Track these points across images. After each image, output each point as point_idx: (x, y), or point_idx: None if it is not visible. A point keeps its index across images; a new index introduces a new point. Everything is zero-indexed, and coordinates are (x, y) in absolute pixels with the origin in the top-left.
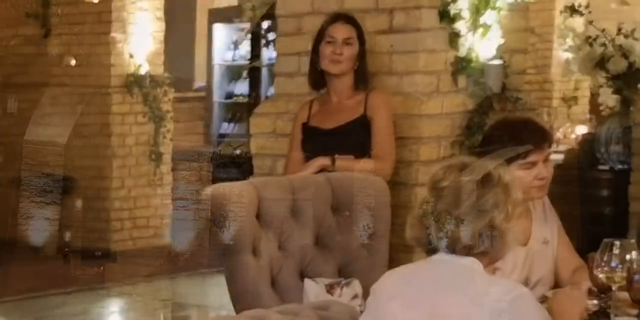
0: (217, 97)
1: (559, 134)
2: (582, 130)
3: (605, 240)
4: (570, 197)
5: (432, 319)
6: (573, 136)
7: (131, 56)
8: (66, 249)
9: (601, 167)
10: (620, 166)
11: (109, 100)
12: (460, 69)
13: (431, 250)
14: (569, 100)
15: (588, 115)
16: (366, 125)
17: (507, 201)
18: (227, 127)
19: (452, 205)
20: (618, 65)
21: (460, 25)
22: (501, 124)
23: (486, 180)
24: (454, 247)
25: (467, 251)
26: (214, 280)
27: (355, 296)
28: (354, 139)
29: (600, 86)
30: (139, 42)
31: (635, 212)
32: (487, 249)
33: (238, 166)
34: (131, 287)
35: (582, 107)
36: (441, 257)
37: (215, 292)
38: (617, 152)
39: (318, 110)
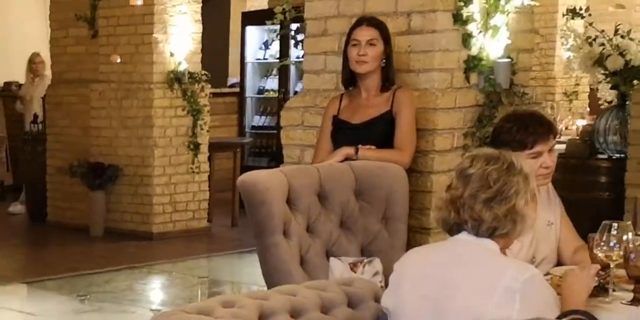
0: (249, 92)
1: (561, 126)
2: (582, 122)
3: (605, 222)
4: (571, 184)
5: (446, 291)
6: (574, 128)
7: (171, 55)
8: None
9: (600, 156)
10: (617, 155)
11: (151, 95)
12: (472, 66)
13: (455, 231)
14: (571, 95)
15: (588, 109)
16: (391, 120)
17: (527, 189)
18: (258, 120)
19: (478, 191)
20: (615, 63)
21: (472, 27)
22: (510, 117)
23: (510, 169)
24: (478, 229)
25: (490, 233)
26: (247, 260)
27: (376, 273)
28: (380, 133)
29: (599, 82)
30: (179, 42)
31: (631, 197)
32: (508, 231)
33: (269, 155)
34: (171, 265)
35: (582, 101)
36: (463, 238)
37: (248, 270)
38: (614, 142)
39: (347, 104)
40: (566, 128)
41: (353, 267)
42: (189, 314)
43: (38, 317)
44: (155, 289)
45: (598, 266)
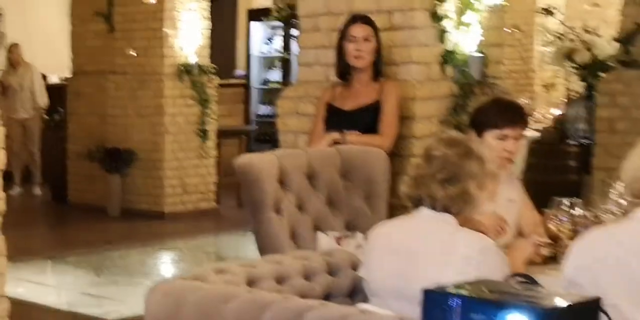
0: (254, 83)
1: (538, 115)
2: (555, 111)
3: (556, 198)
4: (544, 167)
5: (409, 260)
6: (549, 117)
7: (181, 49)
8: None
9: (570, 142)
10: (585, 141)
11: (163, 86)
12: (448, 60)
13: (417, 206)
14: (548, 87)
15: (564, 99)
16: (379, 108)
17: (481, 173)
18: (263, 109)
19: (437, 172)
20: (583, 57)
21: (447, 24)
22: (494, 100)
23: (467, 154)
24: (434, 206)
25: (443, 210)
26: (252, 238)
27: (358, 246)
28: (368, 120)
29: (569, 74)
30: (188, 37)
31: (598, 179)
32: (460, 210)
33: (272, 142)
34: (181, 242)
35: (559, 92)
36: (424, 213)
37: (252, 247)
38: (582, 130)
39: (340, 92)
40: (543, 117)
41: (338, 240)
42: (185, 280)
43: (58, 289)
44: (166, 264)
45: (537, 237)
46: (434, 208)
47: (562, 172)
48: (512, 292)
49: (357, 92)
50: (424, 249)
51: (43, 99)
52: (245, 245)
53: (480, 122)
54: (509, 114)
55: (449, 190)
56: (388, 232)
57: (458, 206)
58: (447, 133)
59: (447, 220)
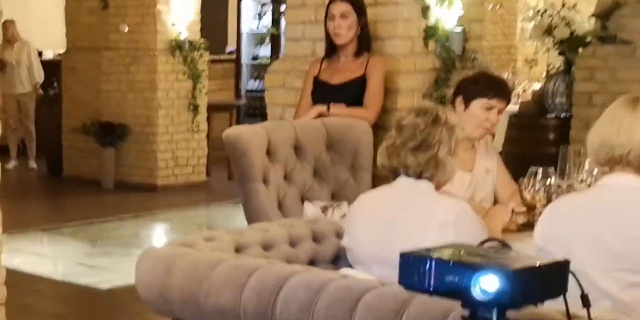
0: (245, 59)
1: (520, 89)
2: (536, 86)
3: (531, 168)
4: (524, 140)
5: (390, 227)
6: (530, 91)
7: (174, 25)
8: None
9: (549, 116)
10: (563, 114)
11: (155, 61)
12: (430, 35)
13: (393, 175)
14: (531, 62)
15: (545, 75)
16: (364, 82)
17: (450, 139)
18: (253, 84)
19: (407, 140)
20: (562, 32)
21: (430, 0)
22: (483, 74)
23: (435, 121)
24: (407, 173)
25: (417, 176)
26: (241, 209)
27: (344, 215)
28: (354, 93)
29: (548, 50)
30: (181, 14)
31: (576, 151)
32: (431, 175)
33: (262, 116)
34: (173, 214)
35: (541, 67)
36: (402, 181)
37: (241, 217)
38: (561, 103)
39: (327, 67)
40: (524, 91)
41: (324, 210)
42: (175, 247)
43: (54, 260)
44: (159, 235)
45: (513, 204)
46: (409, 176)
47: (541, 145)
48: (484, 255)
49: (343, 67)
50: (403, 216)
51: (39, 74)
52: (235, 217)
53: (470, 91)
54: (499, 87)
55: (419, 157)
56: (369, 201)
57: (430, 172)
58: (418, 103)
59: (424, 187)
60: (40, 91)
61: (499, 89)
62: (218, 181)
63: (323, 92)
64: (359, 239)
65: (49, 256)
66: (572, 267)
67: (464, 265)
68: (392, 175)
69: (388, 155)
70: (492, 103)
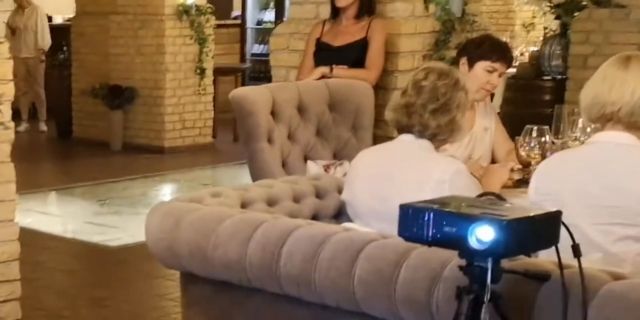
0: (249, 23)
1: (517, 53)
2: (532, 49)
3: (527, 126)
4: (520, 101)
5: (388, 183)
6: (527, 54)
7: None
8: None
9: (544, 78)
10: (559, 76)
11: (163, 26)
12: None
13: (404, 132)
14: (528, 26)
15: (541, 38)
16: (366, 45)
17: (466, 103)
18: (257, 48)
19: (428, 101)
20: None
21: None
22: (487, 37)
23: (456, 85)
24: (423, 133)
25: (431, 137)
26: (246, 170)
27: (345, 174)
28: (355, 55)
29: (545, 13)
30: None
31: (563, 111)
32: (446, 137)
33: (266, 79)
34: (180, 174)
35: (538, 32)
36: (405, 139)
37: (247, 178)
38: (557, 66)
39: (329, 29)
40: (521, 54)
41: (326, 168)
42: (182, 202)
43: (65, 218)
44: (166, 195)
45: (512, 163)
46: (420, 135)
47: (537, 106)
48: (480, 207)
49: (345, 29)
50: (402, 173)
51: (45, 40)
52: (240, 177)
53: (475, 54)
54: (502, 50)
55: (439, 119)
56: (369, 157)
57: (446, 134)
58: (434, 64)
59: (425, 146)
60: (43, 57)
61: (502, 53)
62: (224, 143)
63: (325, 54)
64: (358, 194)
65: (60, 215)
66: (564, 220)
67: (461, 216)
68: (401, 132)
69: (408, 115)
70: (494, 66)
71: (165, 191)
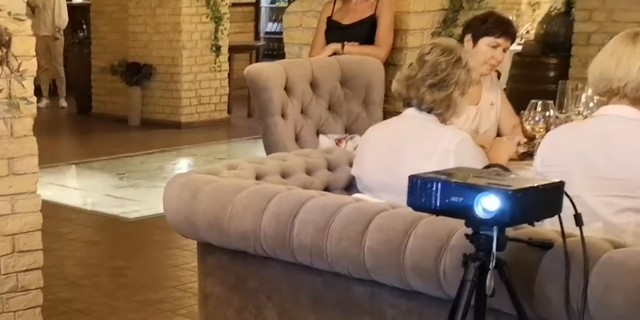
0: (264, 2)
1: (522, 31)
2: (538, 27)
3: (532, 101)
4: (526, 78)
5: (396, 156)
6: (533, 32)
7: None
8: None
9: (550, 55)
10: (563, 54)
11: (180, 4)
12: None
13: (405, 104)
14: (534, 5)
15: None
16: (374, 22)
17: (466, 81)
18: (271, 26)
19: (427, 76)
20: None
21: None
22: (491, 13)
23: (457, 63)
24: (419, 106)
25: (428, 111)
26: (260, 144)
27: (356, 147)
28: (365, 33)
29: None
30: None
31: (567, 87)
32: (441, 113)
33: (279, 56)
34: (196, 149)
35: (544, 10)
36: (411, 113)
37: (260, 152)
38: (561, 43)
39: (340, 8)
40: (527, 32)
41: (338, 142)
42: (199, 174)
43: (85, 191)
44: (182, 169)
45: (519, 137)
46: (419, 108)
47: (542, 82)
48: (486, 177)
49: (355, 7)
50: (409, 146)
51: (62, 18)
52: (254, 152)
53: (479, 30)
54: (505, 26)
55: (435, 94)
56: (378, 132)
57: (440, 109)
58: (442, 40)
59: (430, 119)
60: (58, 36)
61: (505, 29)
62: (238, 118)
63: (336, 32)
64: (368, 168)
65: (80, 188)
66: (569, 191)
67: (468, 186)
68: (404, 104)
69: (407, 86)
70: (498, 41)
71: (182, 165)
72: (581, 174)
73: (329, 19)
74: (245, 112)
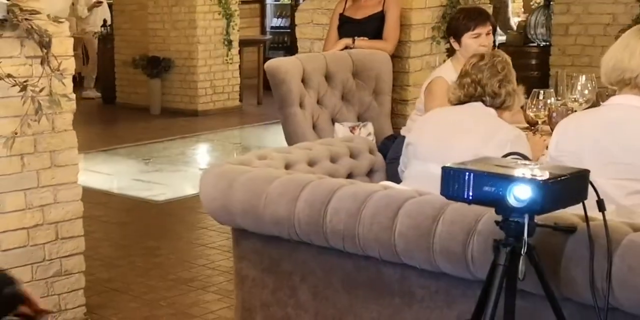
0: None
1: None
2: (517, 19)
3: (534, 90)
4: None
5: (457, 133)
6: (511, 23)
7: None
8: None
9: (531, 44)
10: (543, 43)
11: (195, 3)
12: None
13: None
14: None
15: (522, 9)
16: (382, 18)
17: (515, 77)
18: (276, 22)
19: (492, 75)
20: None
21: None
22: (460, 10)
23: (508, 62)
24: (493, 101)
25: (500, 105)
26: (270, 129)
27: (369, 134)
28: (374, 27)
29: None
30: None
31: (553, 74)
32: (511, 104)
33: (284, 49)
34: (212, 135)
35: (519, 3)
36: (475, 104)
37: (271, 137)
38: (541, 34)
39: (351, 4)
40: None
41: (352, 129)
42: (233, 165)
43: (114, 176)
44: (201, 153)
45: (546, 137)
46: (492, 104)
47: (525, 69)
48: (516, 168)
49: (364, 4)
50: (468, 127)
51: (107, 16)
52: (264, 136)
53: (457, 29)
54: (475, 16)
55: (507, 87)
56: (441, 112)
57: (512, 101)
58: (482, 51)
59: (491, 112)
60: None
61: (477, 18)
62: (249, 106)
63: (348, 27)
64: (425, 136)
65: (110, 174)
66: None
67: (500, 176)
68: (467, 101)
69: (479, 86)
70: (478, 31)
71: (201, 150)
72: (593, 158)
73: (341, 15)
74: (255, 100)
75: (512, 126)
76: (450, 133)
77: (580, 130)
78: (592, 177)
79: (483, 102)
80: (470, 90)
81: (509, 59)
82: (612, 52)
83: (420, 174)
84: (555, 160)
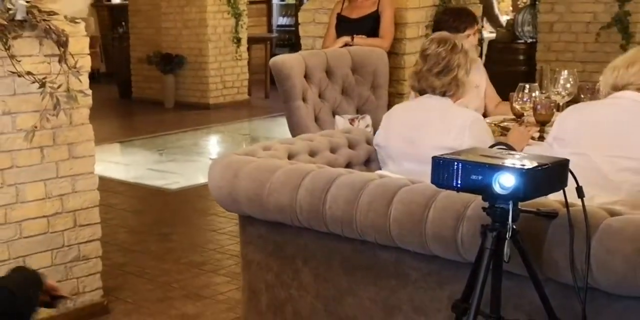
0: None
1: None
2: (506, 17)
3: (520, 84)
4: (499, 61)
5: (418, 130)
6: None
7: None
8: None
9: (519, 41)
10: (530, 40)
11: (205, 3)
12: None
13: (422, 94)
14: None
15: (511, 8)
16: (377, 17)
17: (466, 61)
18: (282, 20)
19: (432, 66)
20: None
21: None
22: (447, 11)
23: (453, 49)
24: (434, 92)
25: (442, 94)
26: (277, 122)
27: (367, 126)
28: (370, 26)
29: None
30: None
31: (538, 69)
32: (454, 92)
33: (289, 46)
34: (223, 127)
35: (507, 3)
36: (428, 97)
37: (277, 128)
38: (528, 31)
39: (348, 5)
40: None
41: (351, 121)
42: (239, 155)
43: (130, 166)
44: (212, 144)
45: (537, 129)
46: (434, 94)
47: (513, 64)
48: (502, 158)
49: (361, 4)
50: (429, 121)
51: None
52: (272, 128)
53: (447, 31)
54: (463, 17)
55: (443, 79)
56: (402, 109)
57: (452, 90)
58: (438, 34)
59: (445, 101)
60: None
61: (464, 19)
62: (257, 99)
63: (345, 26)
64: (392, 139)
65: (126, 164)
66: (579, 150)
67: (486, 165)
68: (420, 94)
69: (418, 80)
70: (466, 33)
71: (212, 141)
72: (591, 137)
73: (339, 15)
74: (263, 93)
75: (469, 112)
76: (415, 131)
77: (583, 114)
78: (588, 152)
79: (428, 93)
80: (413, 83)
81: (459, 43)
82: (617, 62)
83: (398, 173)
84: (556, 138)
